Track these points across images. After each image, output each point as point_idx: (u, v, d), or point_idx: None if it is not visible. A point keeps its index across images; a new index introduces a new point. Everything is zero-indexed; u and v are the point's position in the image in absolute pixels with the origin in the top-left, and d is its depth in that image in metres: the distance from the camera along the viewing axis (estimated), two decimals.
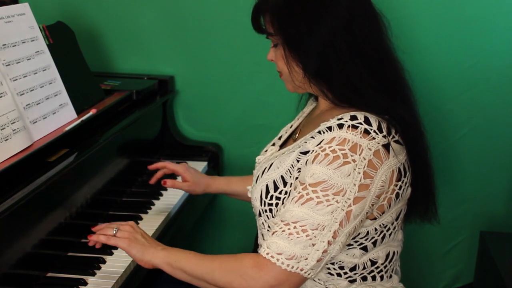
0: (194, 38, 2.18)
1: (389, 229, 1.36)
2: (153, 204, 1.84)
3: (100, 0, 2.21)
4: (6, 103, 1.50)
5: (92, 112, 1.76)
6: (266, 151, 1.55)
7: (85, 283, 1.41)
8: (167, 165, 1.79)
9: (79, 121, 1.70)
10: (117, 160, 1.86)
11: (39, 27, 1.71)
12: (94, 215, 1.71)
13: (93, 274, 1.45)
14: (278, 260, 1.23)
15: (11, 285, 1.33)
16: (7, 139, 1.46)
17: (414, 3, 1.96)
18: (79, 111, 1.76)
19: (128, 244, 1.36)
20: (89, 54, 2.00)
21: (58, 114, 1.68)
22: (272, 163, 1.39)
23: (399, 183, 1.32)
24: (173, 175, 1.82)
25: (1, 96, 1.49)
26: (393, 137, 1.30)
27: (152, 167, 1.81)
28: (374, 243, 1.36)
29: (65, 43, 1.86)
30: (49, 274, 1.45)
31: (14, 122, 1.50)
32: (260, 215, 1.40)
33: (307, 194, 1.24)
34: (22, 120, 1.53)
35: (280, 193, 1.35)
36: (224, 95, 2.23)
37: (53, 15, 2.07)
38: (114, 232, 1.38)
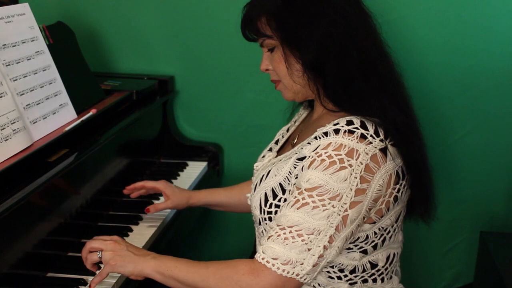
0: (194, 38, 2.18)
1: (389, 232, 1.36)
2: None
3: (100, 0, 2.21)
4: (6, 103, 1.50)
5: (92, 112, 1.76)
6: (264, 157, 1.55)
7: (85, 283, 1.41)
8: (146, 184, 1.75)
9: (79, 121, 1.70)
10: (117, 160, 1.86)
11: (39, 27, 1.71)
12: (94, 215, 1.71)
13: (93, 274, 1.44)
14: (273, 265, 1.22)
15: (11, 285, 1.33)
16: (7, 139, 1.46)
17: (411, 5, 1.96)
18: (79, 111, 1.76)
19: (111, 266, 1.32)
20: (89, 54, 2.00)
21: (58, 114, 1.68)
22: (269, 171, 1.39)
23: (397, 186, 1.31)
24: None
25: (1, 96, 1.49)
26: (390, 140, 1.29)
27: (129, 188, 1.76)
28: (375, 247, 1.35)
29: (65, 43, 1.86)
30: (49, 274, 1.45)
31: (14, 122, 1.50)
32: (260, 223, 1.40)
33: (303, 199, 1.24)
34: (22, 120, 1.53)
35: (279, 200, 1.34)
36: (224, 95, 2.23)
37: (53, 15, 2.07)
38: (99, 255, 1.35)
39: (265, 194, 1.36)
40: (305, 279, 1.24)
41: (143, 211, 1.78)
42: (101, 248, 1.35)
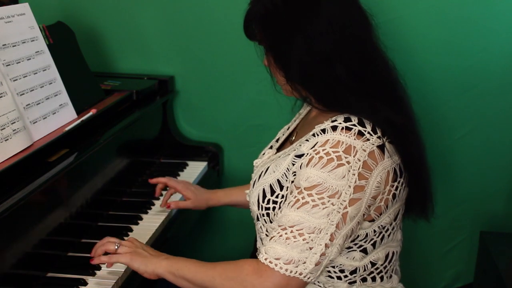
0: (194, 38, 2.18)
1: (387, 230, 1.36)
2: (153, 204, 1.84)
3: (100, 0, 2.21)
4: (6, 103, 1.50)
5: (92, 112, 1.76)
6: (264, 154, 1.55)
7: (85, 283, 1.41)
8: (168, 182, 1.79)
9: (79, 121, 1.70)
10: (117, 160, 1.86)
11: (39, 27, 1.71)
12: (94, 215, 1.71)
13: (93, 274, 1.45)
14: (276, 265, 1.23)
15: (11, 285, 1.33)
16: (7, 139, 1.46)
17: (411, 5, 1.95)
18: (79, 111, 1.76)
19: (130, 258, 1.37)
20: (89, 54, 2.00)
21: (58, 114, 1.68)
22: (268, 167, 1.40)
23: (395, 183, 1.31)
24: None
25: (1, 96, 1.49)
26: (388, 137, 1.29)
27: (153, 181, 1.82)
28: (374, 245, 1.35)
29: (65, 43, 1.86)
30: (49, 274, 1.45)
31: (14, 122, 1.50)
32: (258, 219, 1.41)
33: (303, 198, 1.24)
34: (22, 120, 1.53)
35: (277, 197, 1.35)
36: (224, 95, 2.23)
37: (53, 15, 2.06)
38: (116, 247, 1.39)
39: (263, 190, 1.37)
40: (308, 278, 1.25)
41: (143, 211, 1.79)
42: (120, 242, 1.40)
